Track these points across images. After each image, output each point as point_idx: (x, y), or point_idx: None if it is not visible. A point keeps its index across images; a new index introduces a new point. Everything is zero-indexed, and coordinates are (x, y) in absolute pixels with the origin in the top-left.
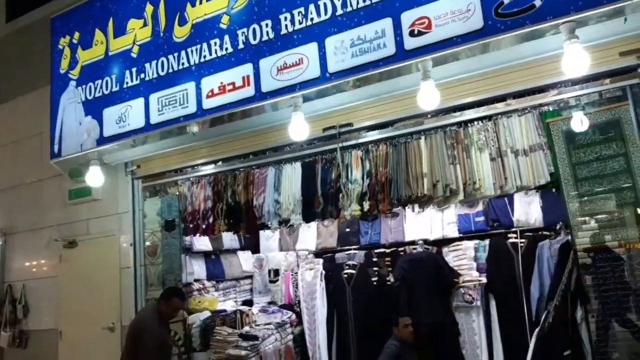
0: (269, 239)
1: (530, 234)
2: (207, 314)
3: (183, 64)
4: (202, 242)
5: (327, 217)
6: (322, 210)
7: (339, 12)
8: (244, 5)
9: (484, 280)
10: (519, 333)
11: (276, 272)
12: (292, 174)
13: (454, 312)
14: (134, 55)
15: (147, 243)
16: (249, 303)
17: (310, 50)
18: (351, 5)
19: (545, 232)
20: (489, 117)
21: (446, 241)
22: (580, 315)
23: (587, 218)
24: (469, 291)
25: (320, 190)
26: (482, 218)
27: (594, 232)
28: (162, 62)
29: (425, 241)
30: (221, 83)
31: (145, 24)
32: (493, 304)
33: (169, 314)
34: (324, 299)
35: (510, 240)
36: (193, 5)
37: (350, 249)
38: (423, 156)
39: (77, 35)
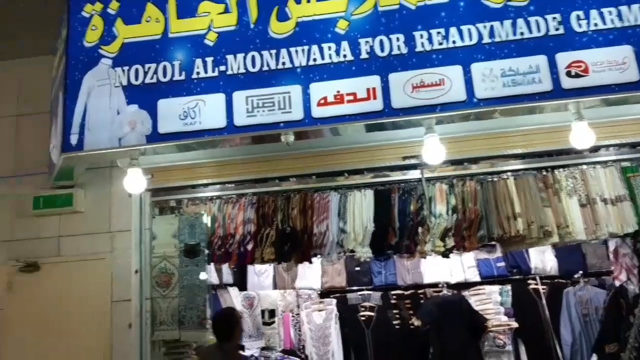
0: (260, 275)
1: (549, 280)
2: None
3: (284, 63)
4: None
5: (401, 251)
6: (396, 244)
7: (486, 40)
8: (367, 13)
9: (514, 324)
10: None
11: (272, 313)
12: (362, 202)
13: (484, 358)
14: (209, 42)
15: (157, 271)
16: (239, 349)
17: (453, 72)
18: (500, 36)
19: (561, 280)
20: (574, 165)
21: (463, 285)
22: None
23: None
24: (499, 335)
25: (398, 222)
26: (502, 264)
27: None
28: (253, 57)
29: (447, 284)
30: (338, 92)
31: (227, 10)
32: (522, 349)
33: None
34: (339, 343)
35: (532, 286)
36: (298, 2)
37: (363, 289)
38: (514, 196)
39: (114, 4)
